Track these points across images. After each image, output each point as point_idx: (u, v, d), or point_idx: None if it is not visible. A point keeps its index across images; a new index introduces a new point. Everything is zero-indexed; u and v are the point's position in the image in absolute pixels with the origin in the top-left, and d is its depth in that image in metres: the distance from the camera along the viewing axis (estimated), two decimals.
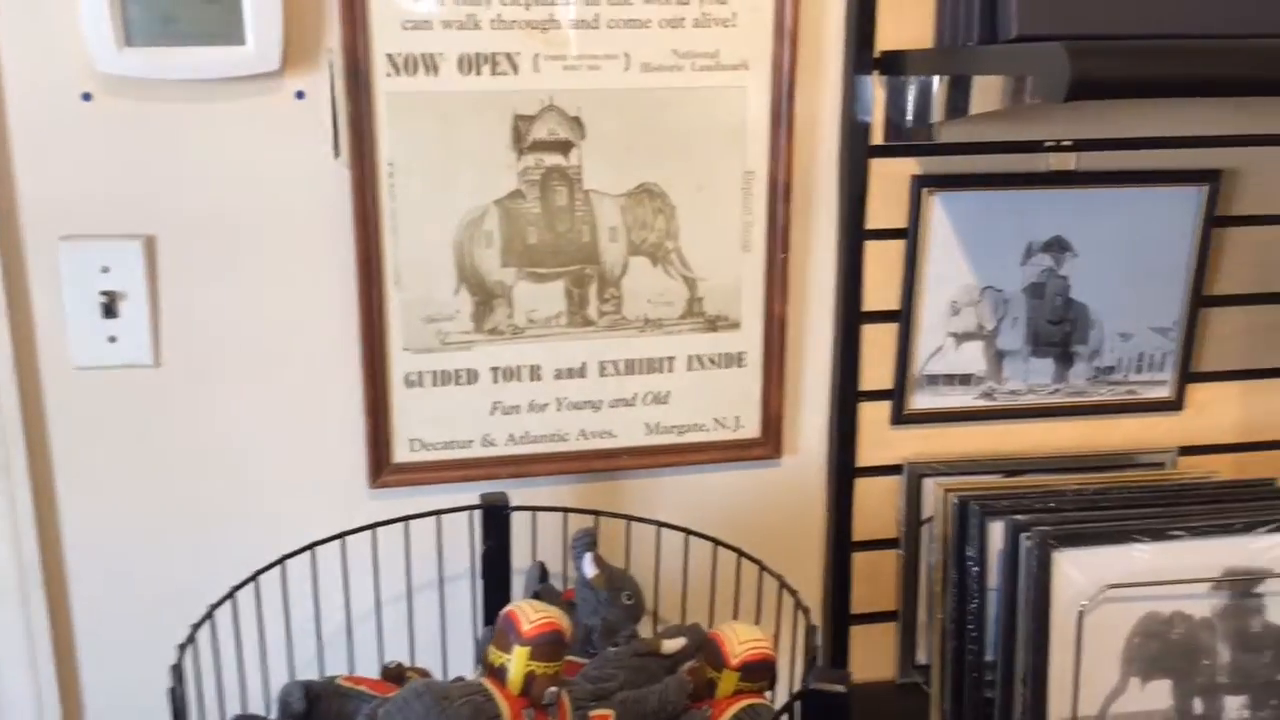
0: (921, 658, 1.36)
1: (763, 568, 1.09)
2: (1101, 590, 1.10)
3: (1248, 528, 1.14)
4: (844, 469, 1.34)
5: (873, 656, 1.39)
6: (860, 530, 1.36)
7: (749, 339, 1.28)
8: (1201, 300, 1.34)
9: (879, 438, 1.34)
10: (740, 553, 1.12)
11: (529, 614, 0.90)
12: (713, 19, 1.19)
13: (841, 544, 1.36)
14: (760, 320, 1.28)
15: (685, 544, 1.17)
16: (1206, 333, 1.36)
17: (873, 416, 1.33)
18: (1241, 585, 1.13)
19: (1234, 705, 1.14)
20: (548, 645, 0.89)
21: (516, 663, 0.89)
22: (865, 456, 1.34)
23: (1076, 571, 1.10)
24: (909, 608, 1.36)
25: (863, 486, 1.35)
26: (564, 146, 1.19)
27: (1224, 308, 1.36)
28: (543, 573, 1.16)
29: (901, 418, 1.33)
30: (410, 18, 1.13)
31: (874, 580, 1.37)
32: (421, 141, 1.16)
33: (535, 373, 1.25)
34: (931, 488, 1.31)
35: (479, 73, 1.15)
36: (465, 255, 1.20)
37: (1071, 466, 1.34)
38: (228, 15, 1.08)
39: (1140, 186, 1.29)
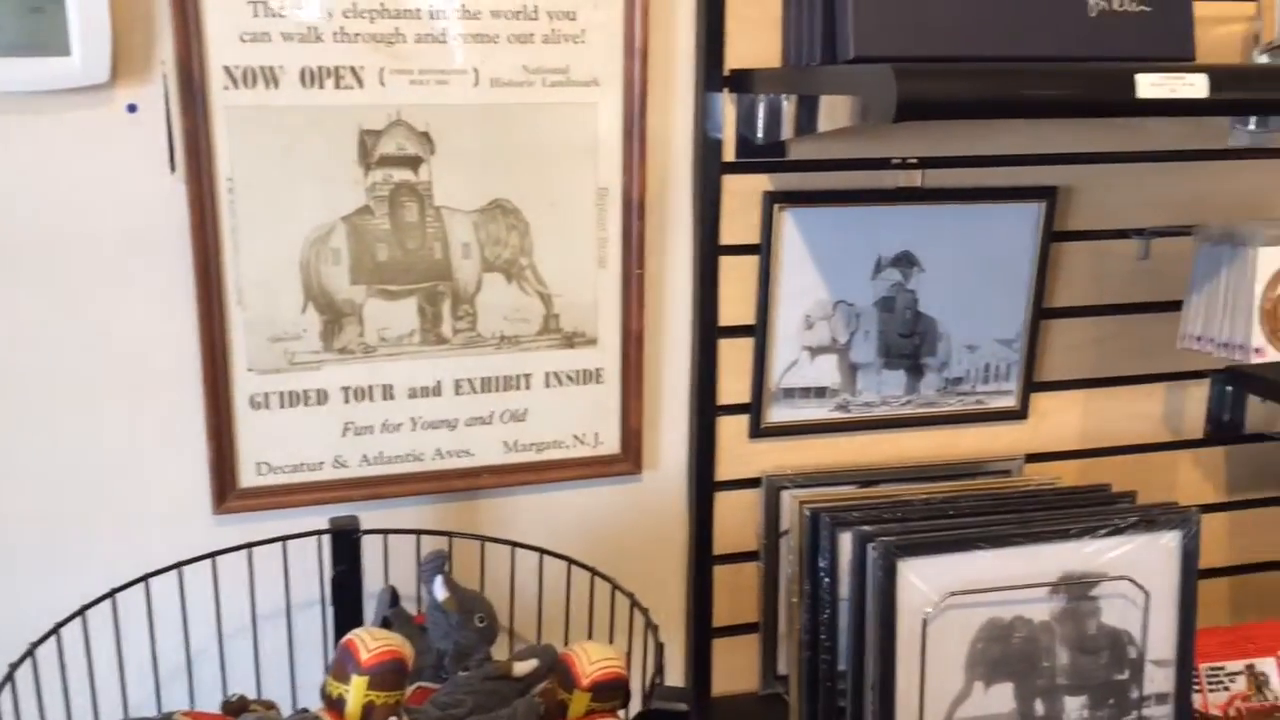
0: (783, 669, 1.37)
1: (615, 586, 1.08)
2: (945, 598, 1.13)
3: (1084, 532, 1.18)
4: (704, 483, 1.34)
5: (736, 668, 1.40)
6: (721, 544, 1.37)
7: (606, 355, 1.28)
8: (1043, 312, 1.38)
9: (738, 451, 1.35)
10: (594, 571, 1.11)
11: (368, 642, 0.88)
12: (562, 35, 1.18)
13: (703, 558, 1.36)
14: (617, 336, 1.28)
15: (540, 563, 1.16)
16: (1048, 344, 1.41)
17: (731, 430, 1.34)
18: (1078, 589, 1.17)
19: (1074, 706, 1.18)
20: (387, 674, 0.87)
21: (355, 693, 0.87)
22: (725, 470, 1.35)
23: (920, 580, 1.12)
24: (770, 619, 1.37)
25: (723, 500, 1.36)
26: (413, 162, 1.17)
27: (1064, 319, 1.41)
28: (394, 597, 1.14)
29: (759, 431, 1.35)
30: (248, 30, 1.10)
31: (736, 593, 1.38)
32: (262, 156, 1.13)
33: (388, 392, 1.22)
34: (789, 500, 1.32)
35: (322, 86, 1.13)
36: (312, 273, 1.17)
37: (923, 475, 1.37)
38: (52, 26, 1.03)
39: (982, 203, 1.33)
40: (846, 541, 1.18)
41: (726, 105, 1.25)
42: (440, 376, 1.23)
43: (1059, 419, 1.43)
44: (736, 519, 1.36)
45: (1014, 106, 0.95)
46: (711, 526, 1.36)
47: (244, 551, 1.12)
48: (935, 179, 1.32)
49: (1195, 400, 1.47)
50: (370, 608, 1.17)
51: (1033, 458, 1.43)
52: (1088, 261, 1.39)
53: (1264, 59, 1.18)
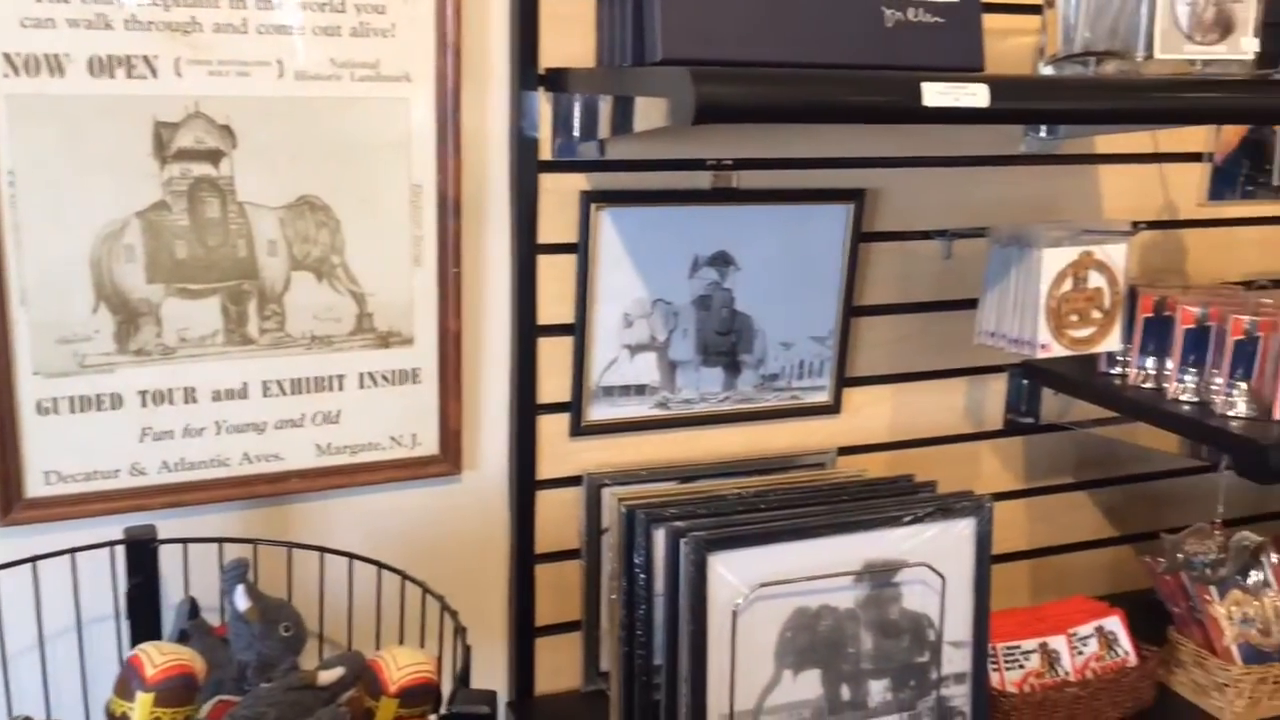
0: (605, 665, 1.38)
1: (425, 590, 1.07)
2: (754, 589, 1.15)
3: (886, 522, 1.23)
4: (525, 483, 1.34)
5: (560, 666, 1.40)
6: (543, 542, 1.37)
7: (423, 354, 1.26)
8: (853, 310, 1.43)
9: (559, 450, 1.35)
10: (404, 575, 1.09)
11: (154, 657, 0.84)
12: (371, 29, 1.16)
13: (524, 557, 1.36)
14: (435, 335, 1.26)
15: (350, 569, 1.13)
16: (859, 340, 1.46)
17: (552, 429, 1.34)
18: (880, 576, 1.21)
19: (878, 689, 1.23)
20: (175, 689, 0.84)
21: (140, 711, 0.83)
22: (546, 469, 1.35)
23: (730, 573, 1.15)
24: (592, 617, 1.38)
25: (544, 499, 1.36)
26: (213, 156, 1.13)
27: (874, 316, 1.46)
28: (193, 608, 1.09)
29: (580, 429, 1.35)
30: (30, 15, 1.04)
31: (559, 592, 1.38)
32: (47, 148, 1.07)
33: (190, 395, 1.18)
34: (609, 498, 1.33)
35: (112, 75, 1.07)
36: (104, 271, 1.11)
37: (741, 470, 1.40)
38: None
39: (794, 204, 1.37)
40: (660, 538, 1.20)
41: (542, 104, 1.24)
42: (246, 378, 1.19)
43: (870, 413, 1.49)
44: (558, 517, 1.37)
45: (807, 111, 0.98)
46: (533, 526, 1.36)
47: (29, 565, 1.06)
48: (749, 180, 1.35)
49: (995, 393, 1.55)
50: (170, 620, 1.12)
51: (845, 450, 1.48)
52: (895, 261, 1.45)
53: (1049, 70, 1.25)
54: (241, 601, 1.03)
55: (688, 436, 1.41)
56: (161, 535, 1.12)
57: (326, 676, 0.99)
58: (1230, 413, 1.29)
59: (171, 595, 1.14)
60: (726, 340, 1.39)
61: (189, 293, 1.15)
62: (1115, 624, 1.40)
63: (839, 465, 1.46)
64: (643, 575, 1.22)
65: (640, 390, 1.37)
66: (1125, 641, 1.39)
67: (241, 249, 1.16)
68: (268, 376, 1.20)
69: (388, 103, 1.18)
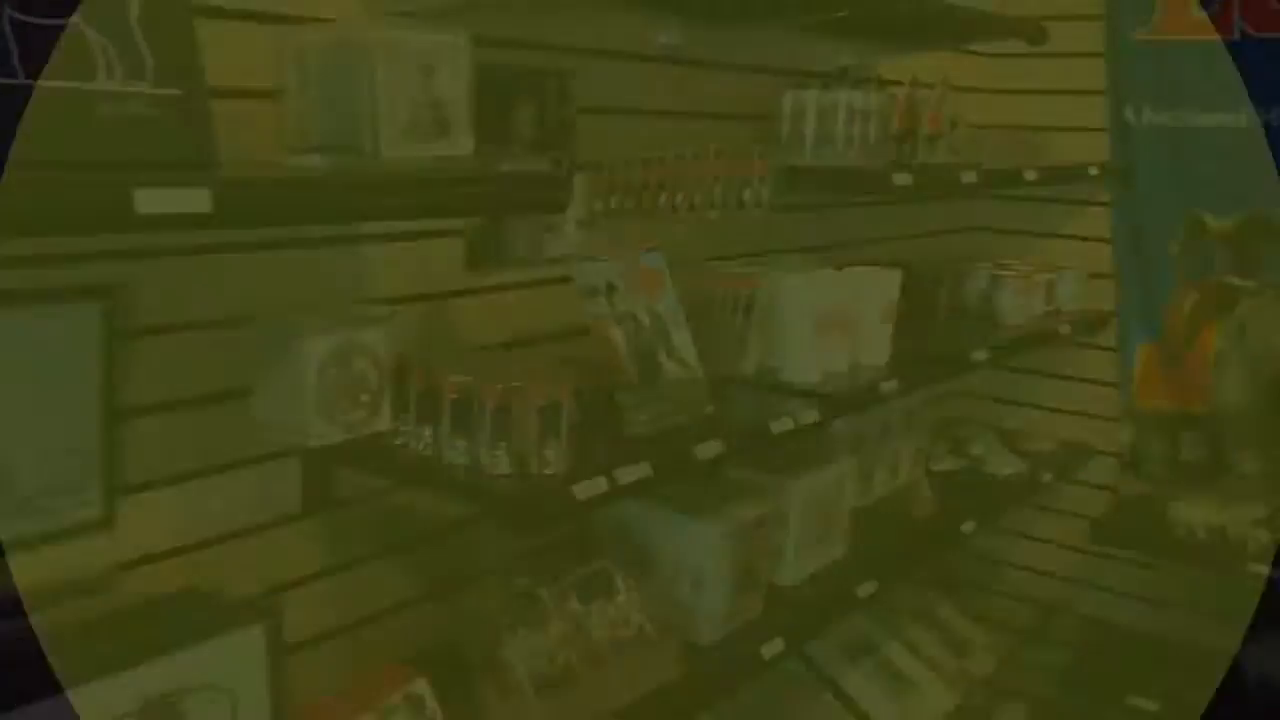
0: None
1: None
2: None
3: (165, 649, 1.13)
4: None
5: None
6: None
7: None
8: (117, 414, 1.31)
9: None
10: None
11: None
12: None
13: None
14: None
15: None
16: (133, 443, 1.33)
17: None
18: (163, 712, 1.11)
19: None
20: None
21: None
22: None
23: None
24: None
25: None
26: None
27: (142, 418, 1.34)
28: None
29: None
30: None
31: None
32: None
33: None
34: None
35: None
36: None
37: None
38: None
39: (29, 306, 1.21)
40: None
41: None
42: None
43: (154, 522, 1.37)
44: None
45: None
46: None
47: None
48: None
49: (292, 477, 1.51)
50: None
51: (131, 565, 1.35)
52: (161, 356, 1.35)
53: (294, 160, 1.24)
54: None
55: None
56: None
57: None
58: (496, 472, 1.40)
59: None
60: None
61: None
62: (422, 687, 1.45)
63: (124, 580, 1.33)
64: None
65: None
66: (431, 702, 1.45)
67: None
68: None
69: None
